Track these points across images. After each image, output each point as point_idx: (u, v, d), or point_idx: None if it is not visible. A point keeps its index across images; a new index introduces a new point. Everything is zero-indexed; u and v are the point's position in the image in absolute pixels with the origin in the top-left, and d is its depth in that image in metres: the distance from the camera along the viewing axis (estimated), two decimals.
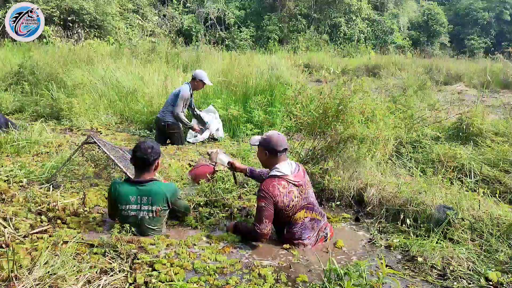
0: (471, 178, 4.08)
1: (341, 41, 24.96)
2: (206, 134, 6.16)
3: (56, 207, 3.32)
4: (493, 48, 30.74)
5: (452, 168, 4.12)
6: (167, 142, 5.99)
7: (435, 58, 20.13)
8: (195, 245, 2.94)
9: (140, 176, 2.99)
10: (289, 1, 23.56)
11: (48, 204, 3.37)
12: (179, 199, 3.15)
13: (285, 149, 3.00)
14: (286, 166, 2.97)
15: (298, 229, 2.95)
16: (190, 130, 6.18)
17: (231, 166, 3.62)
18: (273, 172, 2.96)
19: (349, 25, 25.28)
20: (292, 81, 8.61)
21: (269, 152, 3.00)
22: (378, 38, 26.63)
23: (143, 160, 2.94)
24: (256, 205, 2.98)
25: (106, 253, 2.63)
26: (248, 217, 3.46)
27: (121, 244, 2.69)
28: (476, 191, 3.60)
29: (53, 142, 5.26)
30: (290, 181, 2.91)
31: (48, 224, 3.10)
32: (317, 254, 2.84)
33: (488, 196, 3.52)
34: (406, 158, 4.59)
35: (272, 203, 2.86)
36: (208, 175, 4.07)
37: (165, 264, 2.59)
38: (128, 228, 2.80)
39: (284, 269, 2.68)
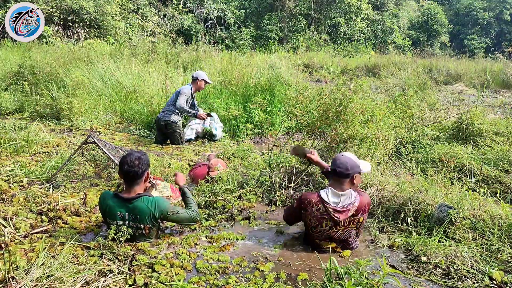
0: (471, 178, 4.07)
1: (341, 41, 24.97)
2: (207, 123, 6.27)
3: (57, 207, 3.32)
4: (493, 48, 30.76)
5: (452, 168, 4.11)
6: (167, 142, 5.99)
7: (435, 58, 20.16)
8: (196, 244, 2.94)
9: (130, 191, 2.79)
10: (289, 1, 23.54)
11: (49, 204, 3.36)
12: (173, 215, 2.86)
13: (336, 172, 2.80)
14: (335, 197, 2.79)
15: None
16: (189, 128, 6.21)
17: (309, 159, 3.44)
18: (323, 192, 2.84)
19: (349, 25, 25.28)
20: (292, 81, 8.60)
21: (331, 169, 2.89)
22: (378, 38, 26.64)
23: (132, 174, 2.74)
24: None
25: (104, 255, 2.61)
26: (249, 219, 3.45)
27: (118, 246, 2.67)
28: (476, 191, 3.59)
29: (50, 142, 5.26)
30: (329, 210, 2.77)
31: (48, 224, 3.09)
32: (317, 253, 2.83)
33: (488, 195, 3.51)
34: (406, 158, 4.59)
35: (299, 211, 2.91)
36: (207, 176, 4.07)
37: (165, 265, 2.59)
38: (126, 229, 2.72)
39: (284, 267, 2.68)
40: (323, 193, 2.82)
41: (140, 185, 2.82)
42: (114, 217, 2.75)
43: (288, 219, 3.12)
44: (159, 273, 2.49)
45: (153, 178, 3.17)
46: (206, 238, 3.07)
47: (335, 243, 2.87)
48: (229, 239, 3.05)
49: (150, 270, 2.55)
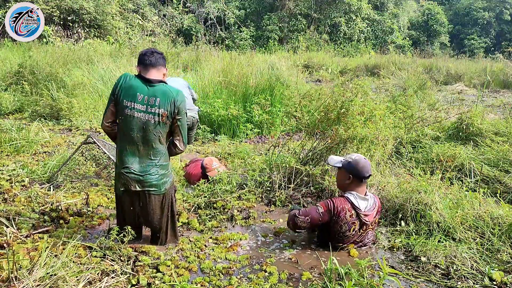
0: (471, 178, 4.08)
1: (341, 41, 24.96)
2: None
3: (60, 207, 3.32)
4: (493, 48, 30.76)
5: (452, 168, 4.12)
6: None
7: (435, 58, 20.15)
8: (206, 245, 2.96)
9: (150, 74, 2.65)
10: (289, 1, 23.53)
11: (51, 204, 3.37)
12: (184, 114, 2.73)
13: (370, 176, 2.91)
14: (363, 202, 2.87)
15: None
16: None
17: None
18: (351, 197, 2.86)
19: (349, 25, 25.27)
20: (291, 81, 8.60)
21: (354, 177, 2.88)
22: (378, 37, 26.63)
23: (158, 57, 2.68)
24: (315, 201, 2.97)
25: (107, 256, 2.60)
26: (249, 219, 3.46)
27: (119, 247, 2.64)
28: (476, 191, 3.60)
29: (50, 141, 5.27)
30: (360, 216, 2.83)
31: (51, 224, 3.10)
32: (318, 253, 2.84)
33: (488, 196, 3.52)
34: (406, 158, 4.59)
35: (328, 218, 2.83)
36: (210, 178, 4.06)
37: (169, 266, 2.59)
38: (129, 230, 2.65)
39: (288, 266, 2.69)
40: (353, 199, 2.85)
41: (160, 74, 2.71)
42: (134, 97, 2.59)
43: (304, 221, 2.87)
44: (163, 274, 2.49)
45: None
46: (211, 239, 3.10)
47: (359, 248, 2.94)
48: (233, 239, 3.08)
49: (154, 270, 2.56)
